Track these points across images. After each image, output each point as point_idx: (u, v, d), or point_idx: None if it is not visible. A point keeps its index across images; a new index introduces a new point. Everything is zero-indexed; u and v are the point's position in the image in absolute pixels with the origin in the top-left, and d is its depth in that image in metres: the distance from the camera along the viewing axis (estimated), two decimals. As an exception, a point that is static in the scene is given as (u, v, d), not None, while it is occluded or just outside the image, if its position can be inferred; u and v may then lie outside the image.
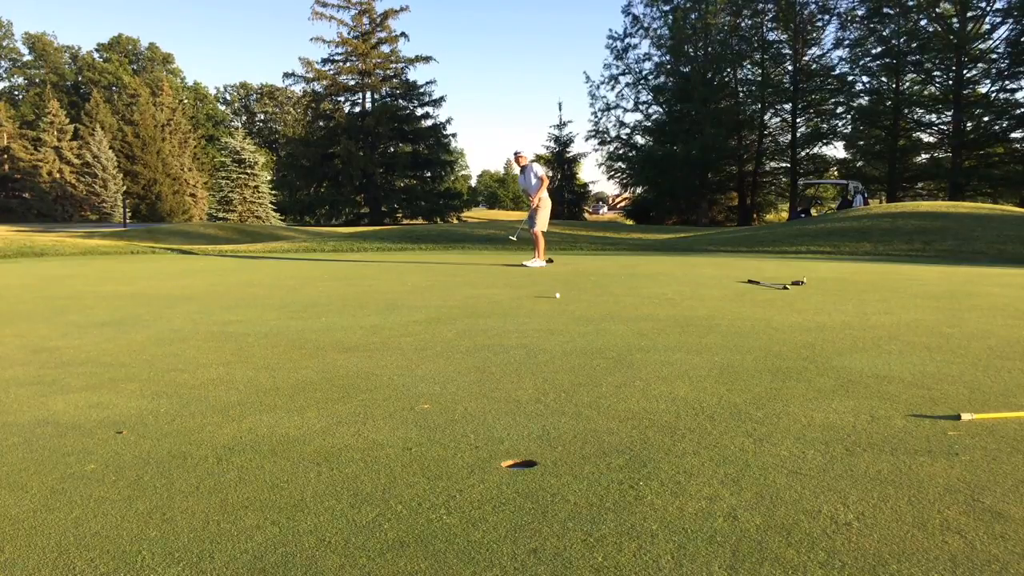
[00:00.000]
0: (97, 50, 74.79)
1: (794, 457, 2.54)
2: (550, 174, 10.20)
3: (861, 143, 44.29)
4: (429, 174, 52.44)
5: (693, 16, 47.24)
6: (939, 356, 4.14)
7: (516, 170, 12.36)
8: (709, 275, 9.21)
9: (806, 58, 45.07)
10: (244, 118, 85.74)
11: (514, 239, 13.00)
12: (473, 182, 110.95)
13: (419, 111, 51.30)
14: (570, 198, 49.90)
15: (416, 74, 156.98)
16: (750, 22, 46.18)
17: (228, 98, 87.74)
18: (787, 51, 45.66)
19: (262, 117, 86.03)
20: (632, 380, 3.64)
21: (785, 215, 45.58)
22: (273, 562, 1.83)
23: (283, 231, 27.66)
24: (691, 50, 48.11)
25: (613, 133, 50.62)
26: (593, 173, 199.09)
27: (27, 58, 73.17)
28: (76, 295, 7.64)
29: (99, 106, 59.63)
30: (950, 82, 39.33)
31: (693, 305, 6.34)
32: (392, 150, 51.48)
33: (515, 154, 11.38)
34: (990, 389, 3.42)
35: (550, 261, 11.40)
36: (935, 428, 2.83)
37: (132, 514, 2.12)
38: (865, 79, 43.43)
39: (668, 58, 48.55)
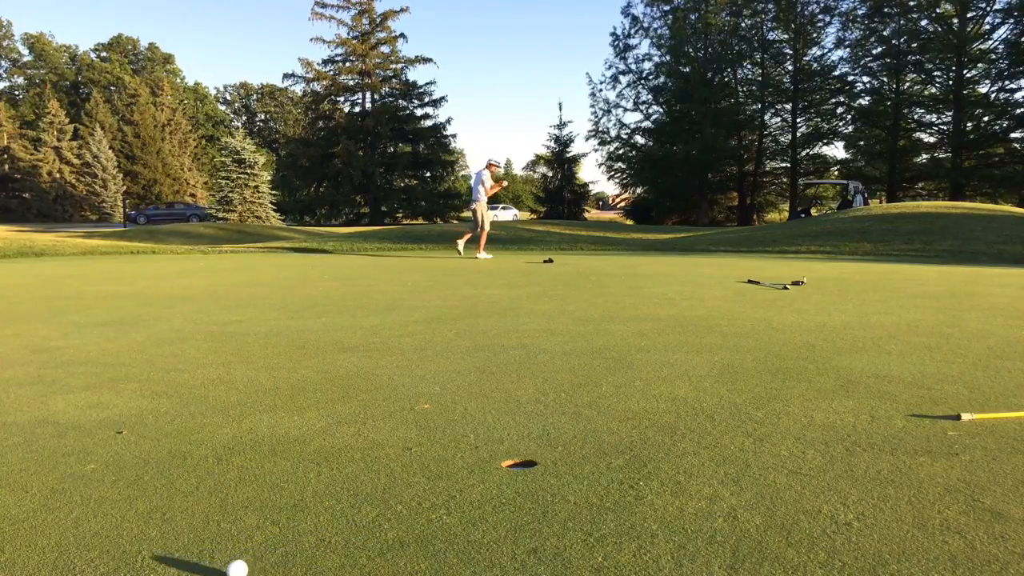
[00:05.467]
0: (96, 50, 74.79)
1: (794, 457, 2.54)
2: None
3: (861, 143, 44.31)
4: (429, 174, 52.43)
5: (693, 16, 47.22)
6: (939, 356, 4.14)
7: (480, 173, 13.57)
8: (709, 275, 9.21)
9: (807, 58, 45.07)
10: (244, 118, 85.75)
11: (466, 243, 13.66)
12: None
13: (419, 111, 51.31)
14: (570, 198, 49.90)
15: (416, 75, 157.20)
16: (750, 22, 46.17)
17: (228, 98, 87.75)
18: (787, 51, 45.68)
19: (262, 117, 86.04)
20: (632, 380, 3.64)
21: (785, 215, 45.58)
22: (273, 562, 1.83)
23: (283, 231, 27.67)
24: (691, 50, 48.09)
25: (613, 133, 50.66)
26: (593, 173, 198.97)
27: (27, 58, 73.14)
28: (76, 295, 7.64)
29: (99, 106, 59.62)
30: (950, 82, 39.34)
31: (693, 305, 6.34)
32: (392, 150, 51.46)
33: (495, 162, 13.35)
34: (990, 389, 3.42)
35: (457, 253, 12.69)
36: (935, 428, 2.83)
37: (132, 514, 2.12)
38: (865, 79, 43.51)
39: (668, 58, 48.54)
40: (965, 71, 38.31)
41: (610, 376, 3.73)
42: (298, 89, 60.08)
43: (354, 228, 32.75)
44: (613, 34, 52.34)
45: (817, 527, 1.99)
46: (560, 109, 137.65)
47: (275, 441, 2.77)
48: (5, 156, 52.86)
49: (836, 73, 43.77)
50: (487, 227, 13.28)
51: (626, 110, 71.63)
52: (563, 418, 3.01)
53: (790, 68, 45.70)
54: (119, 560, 1.85)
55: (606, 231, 23.78)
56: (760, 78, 46.29)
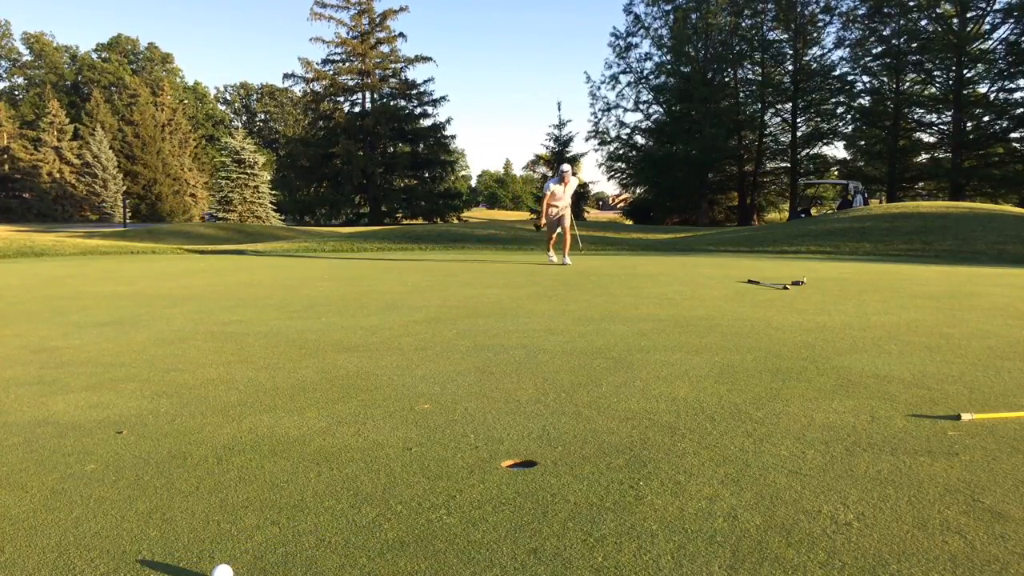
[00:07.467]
0: (96, 50, 74.79)
1: (794, 457, 2.54)
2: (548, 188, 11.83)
3: (861, 143, 44.33)
4: (429, 174, 52.45)
5: (694, 16, 47.23)
6: (939, 356, 4.13)
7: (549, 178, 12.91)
8: (709, 275, 9.21)
9: (807, 58, 45.08)
10: (244, 118, 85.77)
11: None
12: (473, 182, 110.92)
13: (418, 111, 51.33)
14: (570, 198, 49.83)
15: (415, 74, 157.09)
16: (751, 22, 46.19)
17: (228, 98, 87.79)
18: (788, 51, 45.68)
19: (262, 117, 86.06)
20: (632, 380, 3.64)
21: (785, 215, 45.59)
22: (273, 562, 1.83)
23: (283, 231, 27.67)
24: (692, 50, 48.09)
25: (613, 133, 50.67)
26: (593, 173, 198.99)
27: (27, 58, 73.13)
28: (76, 295, 7.64)
29: (99, 106, 59.65)
30: (950, 82, 39.34)
31: (693, 305, 6.33)
32: (392, 150, 51.50)
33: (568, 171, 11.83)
34: (990, 389, 3.41)
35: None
36: (935, 428, 2.83)
37: (132, 514, 2.12)
38: (865, 79, 43.53)
39: (669, 58, 48.55)
40: (965, 71, 38.31)
41: (610, 376, 3.73)
42: (298, 89, 60.18)
43: (354, 228, 32.74)
44: (614, 34, 52.23)
45: (817, 527, 1.99)
46: (559, 109, 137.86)
47: (275, 441, 2.77)
48: (5, 156, 52.88)
49: (836, 73, 43.82)
50: (551, 232, 12.06)
51: (626, 110, 71.80)
52: (563, 418, 3.01)
53: (790, 68, 45.71)
54: (119, 560, 1.85)
55: (606, 231, 23.77)
56: (760, 78, 46.32)
